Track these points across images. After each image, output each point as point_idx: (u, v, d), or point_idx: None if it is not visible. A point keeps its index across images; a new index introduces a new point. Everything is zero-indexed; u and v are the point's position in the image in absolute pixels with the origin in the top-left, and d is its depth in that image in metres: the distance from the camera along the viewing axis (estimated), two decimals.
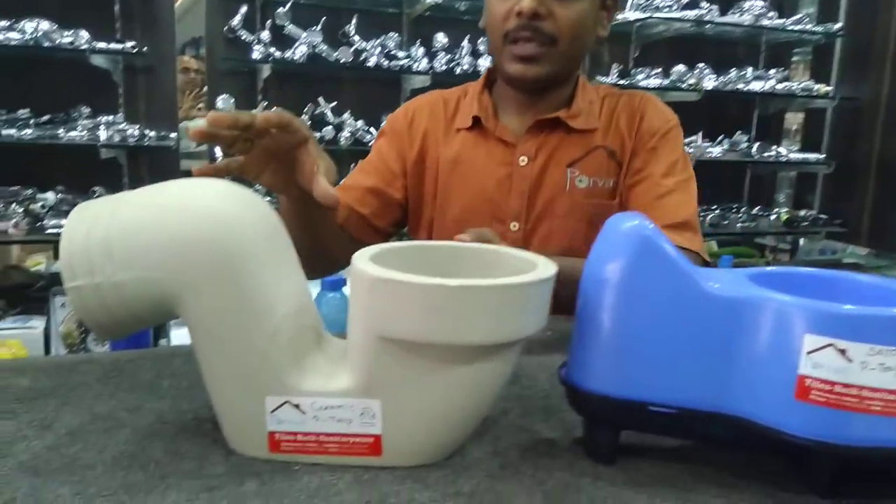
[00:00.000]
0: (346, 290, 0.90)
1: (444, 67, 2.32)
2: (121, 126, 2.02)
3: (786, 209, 2.91)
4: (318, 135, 2.24)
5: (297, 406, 0.59)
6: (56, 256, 2.34)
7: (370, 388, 0.58)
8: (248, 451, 0.60)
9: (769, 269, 0.63)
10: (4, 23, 1.87)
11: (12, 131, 1.86)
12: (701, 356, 0.56)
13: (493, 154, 1.03)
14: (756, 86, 2.61)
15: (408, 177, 1.08)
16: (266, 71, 2.22)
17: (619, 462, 0.61)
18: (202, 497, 0.54)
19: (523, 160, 1.01)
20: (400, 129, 1.08)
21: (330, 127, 2.26)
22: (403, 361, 0.56)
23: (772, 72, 2.70)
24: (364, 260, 0.58)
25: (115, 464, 0.58)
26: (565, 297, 0.63)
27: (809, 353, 0.52)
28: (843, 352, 0.51)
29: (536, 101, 1.02)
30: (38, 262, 2.47)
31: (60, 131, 1.93)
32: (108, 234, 0.57)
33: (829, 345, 0.52)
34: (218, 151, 2.20)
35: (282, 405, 0.59)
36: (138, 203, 0.59)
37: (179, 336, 1.73)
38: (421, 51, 2.32)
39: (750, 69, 2.67)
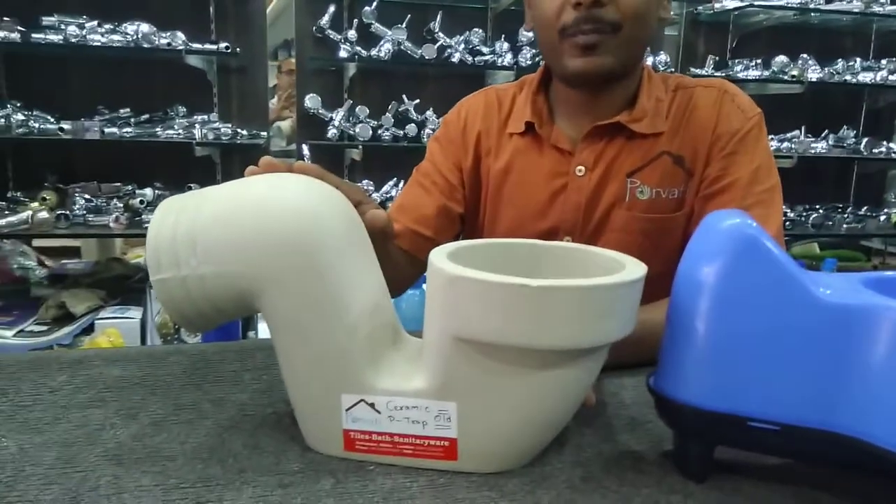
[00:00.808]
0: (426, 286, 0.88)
1: (528, 63, 2.28)
2: (215, 125, 2.10)
3: None
4: (401, 132, 2.25)
5: (371, 405, 0.58)
6: None
7: (446, 390, 0.56)
8: (323, 449, 0.60)
9: (886, 273, 0.57)
10: (108, 26, 1.98)
11: (114, 129, 1.97)
12: (809, 368, 0.51)
13: (548, 163, 0.96)
14: (865, 77, 2.41)
15: (466, 187, 1.02)
16: (352, 69, 2.25)
17: (712, 480, 0.56)
18: (277, 493, 0.53)
19: (580, 170, 0.94)
20: (454, 137, 1.03)
21: (413, 124, 2.27)
22: (480, 363, 0.54)
23: (883, 62, 2.49)
24: (441, 257, 0.56)
25: (194, 455, 0.59)
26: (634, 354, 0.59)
27: None
28: None
29: (597, 100, 0.94)
30: (138, 255, 2.61)
31: (158, 129, 2.02)
32: (192, 229, 0.57)
33: None
34: (305, 150, 2.25)
35: (357, 403, 0.58)
36: (221, 199, 0.59)
37: (267, 329, 1.77)
38: (506, 46, 2.29)
39: (859, 59, 2.48)
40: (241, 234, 0.57)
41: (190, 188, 2.19)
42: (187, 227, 0.57)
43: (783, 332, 0.51)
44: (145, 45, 1.95)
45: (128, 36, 1.96)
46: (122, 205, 2.02)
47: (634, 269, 0.55)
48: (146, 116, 2.09)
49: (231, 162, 2.29)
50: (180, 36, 2.02)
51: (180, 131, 2.03)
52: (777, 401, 0.52)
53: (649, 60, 2.29)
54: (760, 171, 0.91)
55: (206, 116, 2.15)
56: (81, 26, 1.90)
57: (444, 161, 1.03)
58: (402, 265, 0.98)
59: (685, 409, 0.55)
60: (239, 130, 2.16)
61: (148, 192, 2.05)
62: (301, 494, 0.53)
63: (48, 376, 0.75)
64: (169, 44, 1.98)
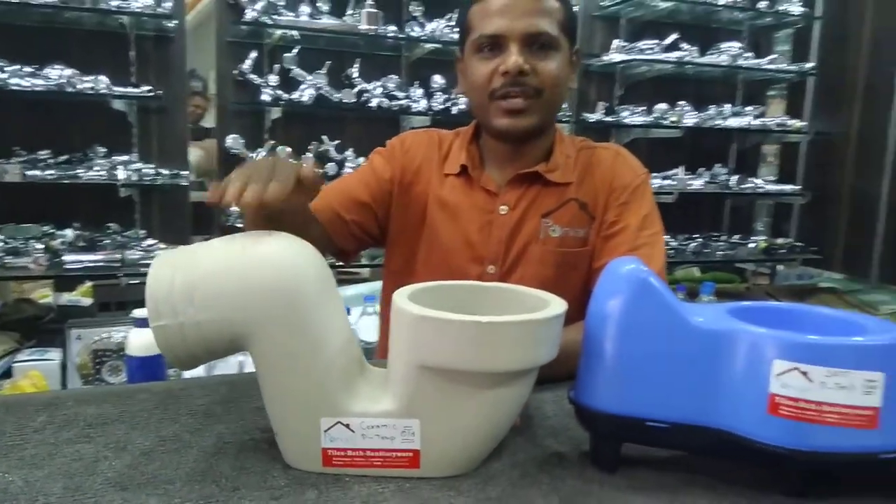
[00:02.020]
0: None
1: (441, 107, 2.45)
2: (135, 165, 2.12)
3: (764, 237, 3.05)
4: (321, 170, 2.35)
5: (347, 426, 0.68)
6: (56, 289, 2.41)
7: (411, 410, 0.68)
8: (304, 466, 0.70)
9: (746, 303, 0.75)
10: (29, 69, 1.98)
11: (36, 171, 1.95)
12: (689, 378, 0.66)
13: (477, 201, 1.12)
14: (734, 122, 2.76)
15: (394, 198, 1.15)
16: (275, 113, 2.34)
17: (621, 470, 0.71)
18: None
19: (503, 209, 1.10)
20: (397, 154, 1.16)
21: (333, 164, 2.37)
22: (440, 386, 0.66)
23: (748, 108, 2.85)
24: (404, 299, 0.68)
25: (190, 479, 0.67)
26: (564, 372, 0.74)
27: (778, 375, 0.63)
28: (805, 374, 0.62)
29: (519, 153, 1.10)
30: (44, 295, 2.54)
31: (80, 171, 2.03)
32: (189, 281, 0.66)
33: (794, 368, 0.63)
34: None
35: (334, 425, 0.68)
36: (215, 254, 0.69)
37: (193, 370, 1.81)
38: (419, 91, 2.45)
39: (728, 106, 2.82)
40: (234, 286, 0.67)
41: (109, 228, 2.19)
42: (184, 280, 0.67)
43: (669, 351, 0.67)
44: (69, 90, 1.96)
45: (50, 80, 1.96)
46: (41, 246, 2.00)
47: (558, 305, 0.70)
48: (65, 157, 2.09)
49: (150, 202, 2.30)
50: (103, 80, 2.05)
51: (102, 172, 2.04)
52: (666, 405, 0.67)
53: None
54: (647, 218, 1.10)
55: (126, 157, 2.17)
56: (2, 69, 1.89)
57: (383, 170, 1.15)
58: (315, 233, 1.05)
59: (598, 415, 0.69)
60: (160, 171, 2.19)
61: (68, 232, 2.04)
62: None
63: (27, 418, 0.80)
64: (92, 88, 2.00)
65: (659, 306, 0.68)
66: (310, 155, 2.36)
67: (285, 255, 0.69)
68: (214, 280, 0.67)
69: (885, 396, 0.62)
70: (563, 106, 2.60)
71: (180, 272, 0.67)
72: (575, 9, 2.72)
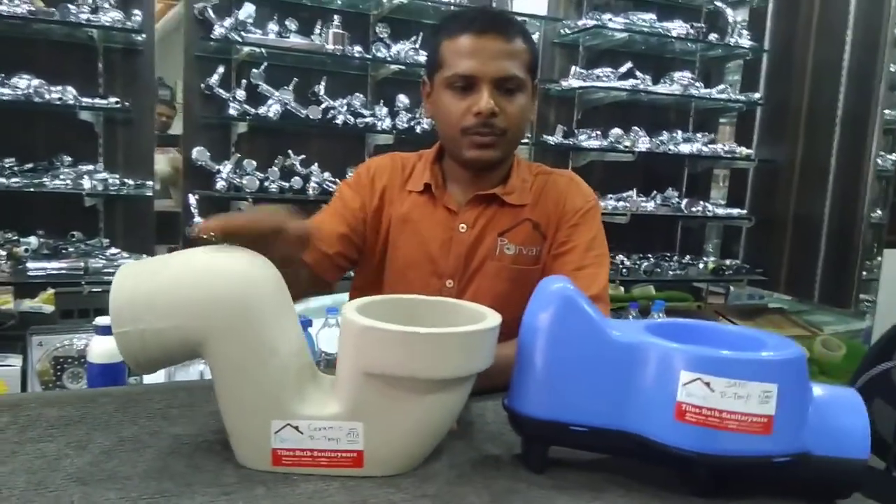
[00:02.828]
0: (311, 330, 1.04)
1: (405, 126, 2.52)
2: (101, 175, 2.14)
3: (713, 258, 3.18)
4: (287, 184, 2.39)
5: (296, 428, 0.74)
6: (17, 296, 2.41)
7: (355, 413, 0.74)
8: (254, 465, 0.75)
9: (662, 320, 0.83)
10: None
11: (1, 179, 1.97)
12: (607, 387, 0.74)
13: (438, 219, 1.19)
14: (685, 148, 2.89)
15: (367, 224, 1.22)
16: (242, 127, 2.38)
17: (549, 471, 0.78)
18: (222, 499, 0.68)
19: (463, 227, 1.18)
20: (364, 183, 1.23)
21: (298, 178, 2.42)
22: (383, 392, 0.72)
23: (699, 135, 2.99)
24: (353, 311, 0.74)
25: (147, 475, 0.72)
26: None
27: (684, 384, 0.71)
28: (707, 384, 0.70)
29: (479, 177, 1.19)
30: (5, 302, 2.53)
31: (45, 179, 2.05)
32: (151, 290, 0.72)
33: (698, 378, 0.70)
34: (192, 200, 2.33)
35: (284, 427, 0.74)
36: (175, 266, 0.74)
37: (153, 376, 1.83)
38: (384, 110, 2.52)
39: (679, 132, 2.96)
40: (192, 295, 0.72)
41: (73, 236, 2.20)
42: (146, 290, 0.72)
43: (590, 362, 0.74)
44: (37, 100, 1.98)
45: (17, 90, 1.98)
46: (4, 253, 2.00)
47: (492, 318, 0.77)
48: (31, 166, 2.10)
49: (114, 211, 2.32)
50: (71, 90, 2.07)
51: (67, 181, 2.06)
52: (587, 410, 0.74)
53: None
54: (594, 240, 1.19)
55: (91, 166, 2.19)
56: None
57: (353, 199, 1.21)
58: (304, 276, 1.14)
59: (527, 420, 0.76)
60: (126, 181, 2.21)
61: (32, 239, 2.05)
62: (242, 499, 0.69)
63: None
64: (60, 98, 2.03)
65: (582, 321, 0.75)
66: (275, 169, 2.41)
67: (241, 268, 0.75)
68: (174, 290, 0.72)
69: (779, 405, 0.70)
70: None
71: (143, 282, 0.72)
72: (535, 36, 2.86)
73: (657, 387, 0.72)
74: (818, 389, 0.76)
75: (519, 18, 2.67)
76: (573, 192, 1.21)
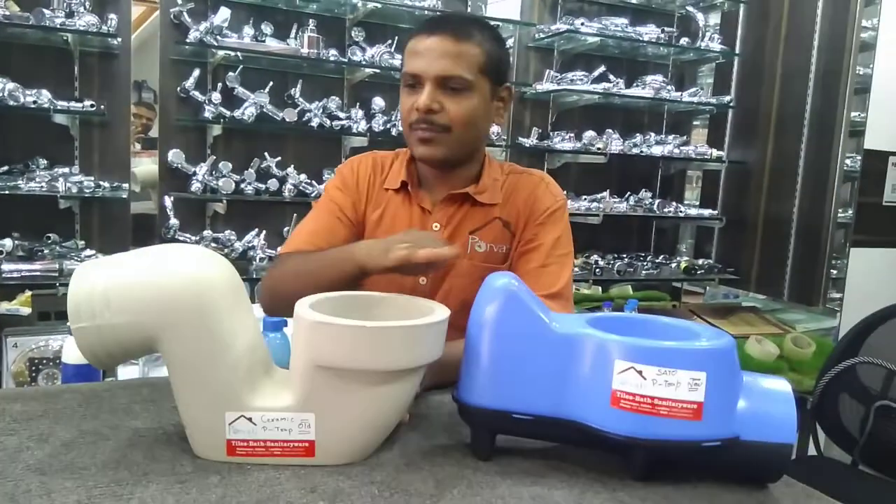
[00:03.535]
0: (287, 330, 1.07)
1: (381, 128, 2.55)
2: (77, 177, 2.15)
3: (686, 258, 3.22)
4: (262, 186, 2.41)
5: (249, 419, 0.77)
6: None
7: (307, 405, 0.77)
8: (210, 456, 0.78)
9: (604, 314, 0.87)
10: None
11: None
12: (547, 376, 0.77)
13: (413, 217, 1.23)
14: (657, 150, 2.94)
15: (357, 224, 1.25)
16: (217, 129, 2.40)
17: (495, 459, 0.81)
18: (176, 487, 0.71)
19: (436, 226, 1.21)
20: (351, 184, 1.26)
21: (274, 180, 2.44)
22: (333, 383, 0.75)
23: (670, 137, 3.04)
24: (305, 307, 0.77)
25: (105, 466, 0.75)
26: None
27: (618, 373, 0.74)
28: (640, 372, 0.74)
29: (448, 176, 1.22)
30: None
31: (20, 182, 2.06)
32: (107, 287, 0.74)
33: (631, 367, 0.74)
34: (168, 202, 2.35)
35: (238, 418, 0.77)
36: (131, 264, 0.77)
37: (126, 373, 1.86)
38: (360, 113, 2.54)
39: (653, 134, 3.01)
40: (147, 292, 0.75)
41: (49, 238, 2.21)
42: (103, 286, 0.75)
43: (532, 353, 0.78)
44: (11, 103, 1.99)
45: None
46: None
47: (440, 312, 0.80)
48: (5, 169, 2.11)
49: (90, 213, 2.33)
50: (46, 94, 2.08)
51: (43, 184, 2.07)
52: (529, 399, 0.78)
53: None
54: (560, 240, 1.22)
55: (67, 169, 2.20)
56: None
57: (344, 201, 1.24)
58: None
59: (473, 409, 0.80)
60: (101, 183, 2.23)
61: (7, 242, 2.06)
62: (195, 488, 0.72)
63: None
64: (35, 101, 2.04)
65: (524, 314, 0.79)
66: (251, 171, 2.43)
67: (194, 265, 0.78)
68: (129, 287, 0.75)
69: (708, 393, 0.74)
70: (497, 130, 2.74)
71: (100, 279, 0.75)
72: (510, 41, 2.90)
73: (594, 376, 0.76)
74: (748, 378, 0.80)
75: (493, 23, 2.73)
76: (542, 192, 1.23)
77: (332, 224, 1.23)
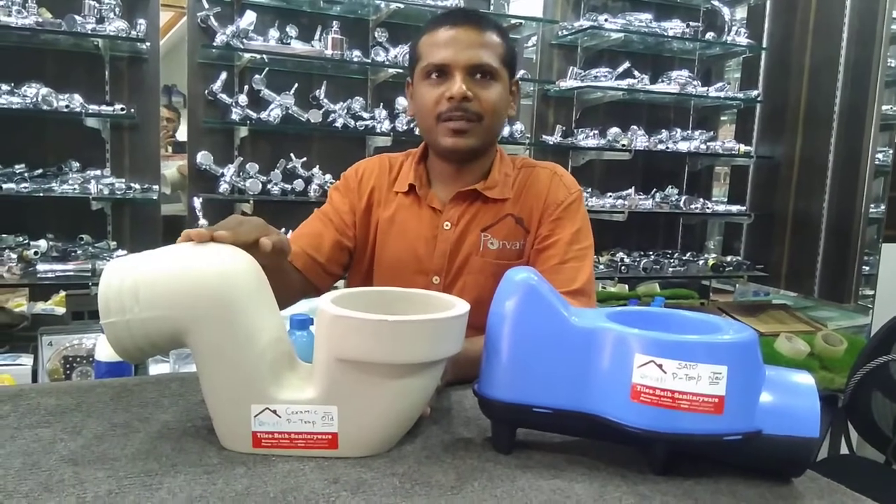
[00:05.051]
0: (312, 328, 1.08)
1: (404, 128, 2.57)
2: (108, 179, 2.21)
3: (714, 255, 3.19)
4: (289, 187, 2.44)
5: (274, 411, 0.79)
6: (31, 298, 2.48)
7: (330, 397, 0.78)
8: (236, 447, 0.80)
9: (625, 308, 0.86)
10: (6, 87, 2.07)
11: (11, 185, 2.04)
12: (567, 370, 0.77)
13: (423, 218, 1.23)
14: (683, 146, 2.91)
15: (357, 227, 1.26)
16: (244, 131, 2.44)
17: (515, 452, 0.82)
18: (203, 478, 0.73)
19: (447, 225, 1.21)
20: (352, 186, 1.28)
21: (300, 180, 2.47)
22: (355, 376, 0.77)
23: (697, 133, 3.01)
24: (327, 302, 0.79)
25: (135, 457, 0.77)
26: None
27: (639, 367, 0.74)
28: (660, 366, 0.74)
29: (461, 172, 1.22)
30: (19, 304, 2.60)
31: (54, 184, 2.12)
32: (136, 283, 0.76)
33: (651, 361, 0.74)
34: (197, 203, 2.40)
35: (263, 411, 0.78)
36: (159, 259, 0.79)
37: (157, 369, 1.90)
38: (384, 113, 2.57)
39: (678, 130, 2.98)
40: (175, 287, 0.77)
41: (82, 239, 2.27)
42: (132, 282, 0.77)
43: (552, 347, 0.78)
44: (44, 108, 2.05)
45: (26, 98, 2.06)
46: (14, 256, 2.07)
47: (461, 307, 0.81)
48: (39, 171, 2.18)
49: (122, 215, 2.39)
50: (77, 98, 2.14)
51: (75, 186, 2.13)
52: (549, 393, 0.78)
53: (506, 130, 2.63)
54: (578, 233, 1.21)
55: (98, 172, 2.25)
56: None
57: (341, 204, 1.26)
58: (294, 281, 1.18)
59: (495, 403, 0.80)
60: (132, 185, 2.28)
61: (42, 243, 2.12)
62: (222, 478, 0.73)
63: None
64: (67, 106, 2.09)
65: (544, 308, 0.79)
66: (277, 172, 2.46)
67: (222, 262, 0.79)
68: (157, 282, 0.77)
69: (729, 386, 0.74)
70: (521, 129, 2.74)
71: (129, 275, 0.77)
72: (533, 38, 2.89)
73: (614, 369, 0.76)
74: (771, 371, 0.79)
75: (515, 21, 2.74)
76: (555, 185, 1.23)
77: (318, 227, 1.25)
